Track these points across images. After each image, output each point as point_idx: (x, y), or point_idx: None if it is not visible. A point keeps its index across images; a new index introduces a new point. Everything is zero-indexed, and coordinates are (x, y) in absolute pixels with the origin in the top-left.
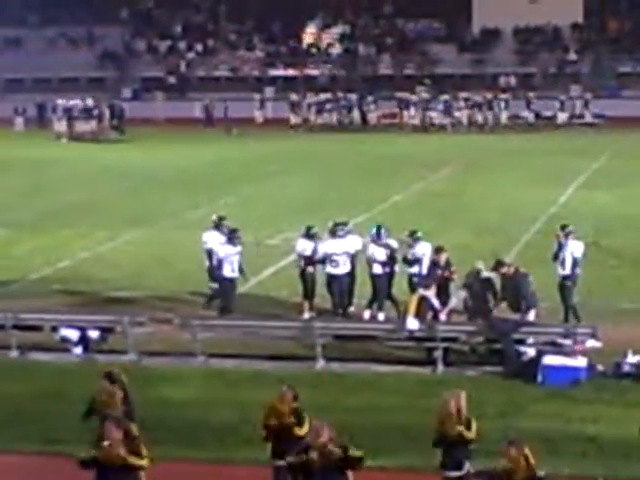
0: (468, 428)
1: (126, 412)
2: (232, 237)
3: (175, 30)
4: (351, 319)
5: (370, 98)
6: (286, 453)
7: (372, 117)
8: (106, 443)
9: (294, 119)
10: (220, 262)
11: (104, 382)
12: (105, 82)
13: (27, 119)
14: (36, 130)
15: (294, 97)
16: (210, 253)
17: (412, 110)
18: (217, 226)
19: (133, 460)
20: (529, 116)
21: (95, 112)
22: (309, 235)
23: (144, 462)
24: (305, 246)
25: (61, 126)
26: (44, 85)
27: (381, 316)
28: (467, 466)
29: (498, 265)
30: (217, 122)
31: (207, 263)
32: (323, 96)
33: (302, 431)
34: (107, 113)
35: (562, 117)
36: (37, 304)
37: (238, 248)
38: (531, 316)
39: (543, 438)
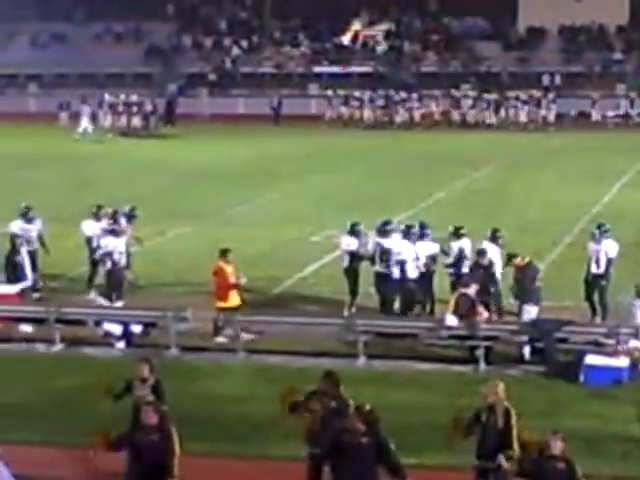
0: (507, 417)
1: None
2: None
3: (220, 26)
4: (394, 317)
5: (415, 95)
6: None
7: (417, 115)
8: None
9: (364, 115)
10: None
11: (142, 366)
12: (151, 78)
13: (72, 114)
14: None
15: (358, 94)
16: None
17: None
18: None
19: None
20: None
21: (142, 108)
22: (353, 232)
23: (176, 447)
24: (349, 242)
25: (107, 121)
26: (89, 80)
27: None
28: (500, 458)
29: (510, 258)
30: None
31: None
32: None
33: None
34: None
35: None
36: (82, 298)
37: None
38: (533, 312)
39: (584, 438)
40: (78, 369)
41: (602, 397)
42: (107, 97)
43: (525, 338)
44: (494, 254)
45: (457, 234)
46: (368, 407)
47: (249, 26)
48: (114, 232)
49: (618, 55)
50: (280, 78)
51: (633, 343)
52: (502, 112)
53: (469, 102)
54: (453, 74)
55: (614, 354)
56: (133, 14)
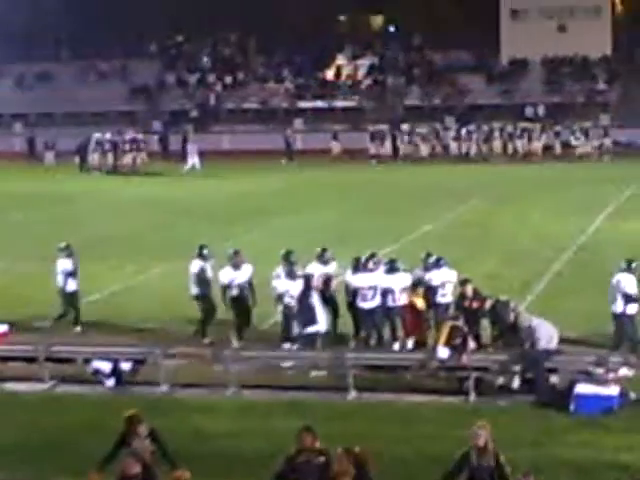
0: (497, 459)
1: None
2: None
3: (204, 63)
4: (384, 349)
5: (405, 128)
6: None
7: (403, 148)
8: None
9: (374, 149)
10: None
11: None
12: (135, 115)
13: (58, 153)
14: (68, 164)
15: (373, 128)
16: None
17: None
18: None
19: None
20: (557, 146)
21: (133, 145)
22: (323, 260)
23: None
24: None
25: (94, 159)
26: (75, 119)
27: (410, 344)
28: None
29: (483, 303)
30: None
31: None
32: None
33: None
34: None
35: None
36: (69, 337)
37: None
38: None
39: (576, 467)
40: (68, 407)
41: (593, 426)
42: (96, 135)
43: (516, 368)
44: (631, 286)
45: (438, 264)
46: (357, 449)
47: (233, 62)
48: (290, 274)
49: (602, 85)
50: (264, 114)
51: (623, 371)
52: (486, 144)
53: (452, 135)
54: (437, 107)
55: (604, 383)
56: (117, 52)
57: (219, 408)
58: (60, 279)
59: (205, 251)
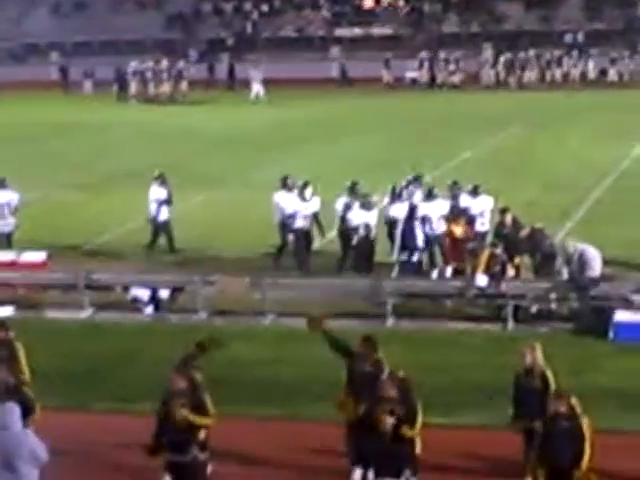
0: (544, 381)
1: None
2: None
3: None
4: (422, 277)
5: (442, 55)
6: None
7: (441, 75)
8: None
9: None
10: None
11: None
12: (172, 44)
13: (96, 82)
14: (106, 93)
15: (424, 55)
16: None
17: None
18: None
19: (197, 420)
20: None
21: (170, 73)
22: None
23: (208, 421)
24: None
25: (132, 88)
26: (110, 48)
27: (449, 272)
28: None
29: (518, 231)
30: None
31: None
32: None
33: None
34: None
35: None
36: (109, 264)
37: None
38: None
39: (617, 394)
40: (108, 335)
41: (632, 353)
42: (132, 64)
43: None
44: None
45: (475, 192)
46: (402, 374)
47: None
48: (365, 206)
49: None
50: (301, 42)
51: None
52: (526, 71)
53: (490, 61)
54: (474, 34)
55: None
56: None
57: (257, 336)
58: (153, 207)
59: (289, 181)
